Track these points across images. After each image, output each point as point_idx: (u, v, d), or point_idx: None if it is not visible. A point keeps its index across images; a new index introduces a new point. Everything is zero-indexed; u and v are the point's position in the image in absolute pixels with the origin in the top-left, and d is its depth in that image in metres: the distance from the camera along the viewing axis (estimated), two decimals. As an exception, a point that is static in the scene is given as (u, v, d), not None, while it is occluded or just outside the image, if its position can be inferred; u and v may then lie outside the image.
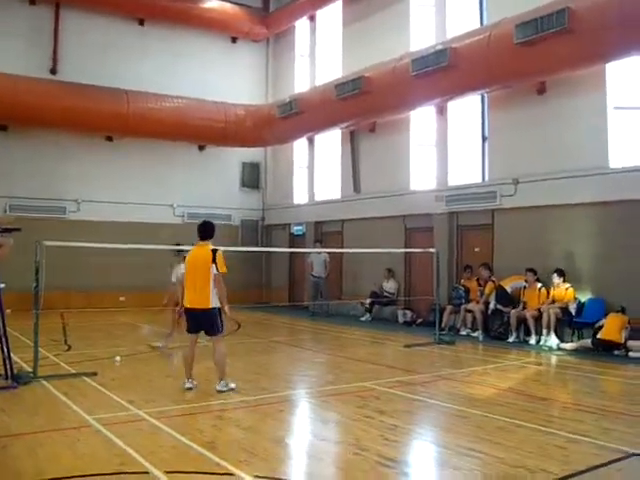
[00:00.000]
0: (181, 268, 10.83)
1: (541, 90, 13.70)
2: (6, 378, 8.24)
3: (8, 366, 8.28)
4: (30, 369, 8.62)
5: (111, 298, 18.98)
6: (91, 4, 19.71)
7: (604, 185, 12.43)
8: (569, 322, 12.45)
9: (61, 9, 19.55)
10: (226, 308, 8.06)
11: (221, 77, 21.93)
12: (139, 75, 20.05)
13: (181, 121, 19.67)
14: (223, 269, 7.91)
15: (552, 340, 12.12)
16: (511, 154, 14.42)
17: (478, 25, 15.20)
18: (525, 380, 9.25)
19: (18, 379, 8.19)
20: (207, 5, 21.41)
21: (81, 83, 18.51)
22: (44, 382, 8.27)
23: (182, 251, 11.01)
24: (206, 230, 8.27)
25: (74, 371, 9.16)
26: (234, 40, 22.66)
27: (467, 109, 15.96)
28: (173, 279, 11.79)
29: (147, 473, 4.91)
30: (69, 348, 11.31)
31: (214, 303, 7.94)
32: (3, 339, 8.32)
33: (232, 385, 8.09)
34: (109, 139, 20.12)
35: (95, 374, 8.85)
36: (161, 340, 11.80)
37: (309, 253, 19.03)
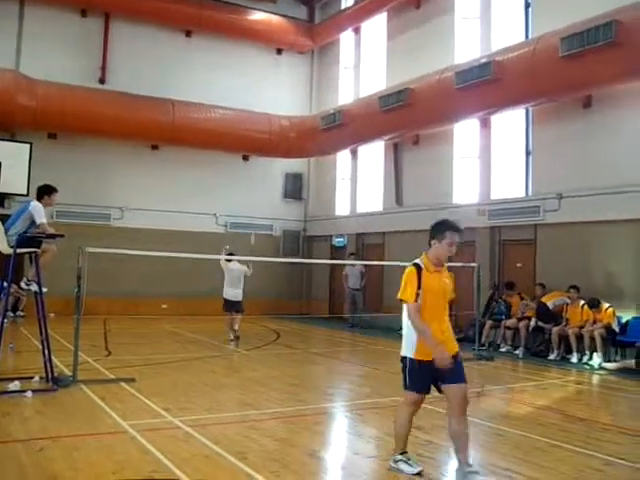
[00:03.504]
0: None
1: (587, 104, 13.50)
2: (47, 381, 8.41)
3: (49, 369, 8.45)
4: (70, 373, 8.75)
5: (153, 305, 19.17)
6: (140, 16, 20.12)
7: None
8: (612, 341, 12.18)
9: (111, 20, 19.99)
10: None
11: (266, 88, 22.11)
12: (185, 85, 20.35)
13: (226, 131, 19.91)
14: (401, 296, 5.40)
15: (594, 359, 11.87)
16: (555, 169, 14.22)
17: (523, 38, 15.07)
18: (565, 399, 9.07)
19: (58, 382, 8.33)
20: (253, 17, 21.65)
21: (128, 93, 18.90)
22: (83, 386, 8.38)
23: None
24: (429, 234, 5.46)
25: (113, 376, 9.26)
26: (279, 52, 22.86)
27: (511, 122, 15.81)
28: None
29: (177, 481, 4.95)
30: (109, 353, 11.48)
31: (404, 349, 5.53)
32: (45, 343, 8.48)
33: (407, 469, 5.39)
34: (155, 148, 20.44)
35: (133, 380, 8.93)
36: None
37: (344, 265, 19.07)
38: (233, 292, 13.93)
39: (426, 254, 5.38)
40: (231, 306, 14.00)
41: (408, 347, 5.41)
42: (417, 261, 5.34)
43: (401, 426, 5.51)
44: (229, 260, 14.05)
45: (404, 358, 5.46)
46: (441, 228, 5.31)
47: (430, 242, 5.35)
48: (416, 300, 5.21)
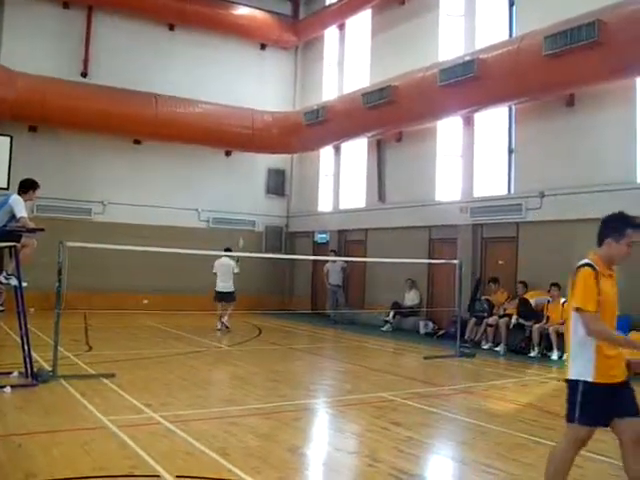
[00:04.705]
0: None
1: (570, 103, 13.57)
2: (26, 376, 8.32)
3: (28, 364, 8.35)
4: (50, 368, 8.66)
5: (134, 300, 19.04)
6: (123, 8, 19.94)
7: (631, 200, 12.22)
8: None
9: (93, 13, 19.80)
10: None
11: (249, 84, 22.02)
12: (168, 80, 20.20)
13: (208, 126, 19.79)
14: (580, 304, 4.15)
15: (575, 356, 11.92)
16: (538, 167, 14.28)
17: (507, 36, 15.13)
18: (545, 396, 9.10)
19: (37, 377, 8.25)
20: (237, 12, 21.56)
21: (111, 86, 18.73)
22: (63, 381, 8.30)
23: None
24: (600, 230, 4.36)
25: (93, 372, 9.20)
26: (263, 47, 22.76)
27: (494, 120, 15.85)
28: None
29: (158, 477, 4.91)
30: (90, 349, 11.40)
31: (575, 371, 4.39)
32: (24, 337, 8.39)
33: None
34: (137, 142, 20.25)
35: (113, 375, 8.86)
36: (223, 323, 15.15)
37: (325, 262, 19.12)
38: (224, 284, 15.31)
39: (596, 253, 4.30)
40: (221, 297, 15.34)
41: (582, 368, 4.28)
42: (589, 261, 4.22)
43: (559, 472, 4.27)
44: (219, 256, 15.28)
45: (576, 382, 4.33)
46: (620, 225, 4.24)
47: (603, 240, 4.28)
48: (597, 310, 4.11)
